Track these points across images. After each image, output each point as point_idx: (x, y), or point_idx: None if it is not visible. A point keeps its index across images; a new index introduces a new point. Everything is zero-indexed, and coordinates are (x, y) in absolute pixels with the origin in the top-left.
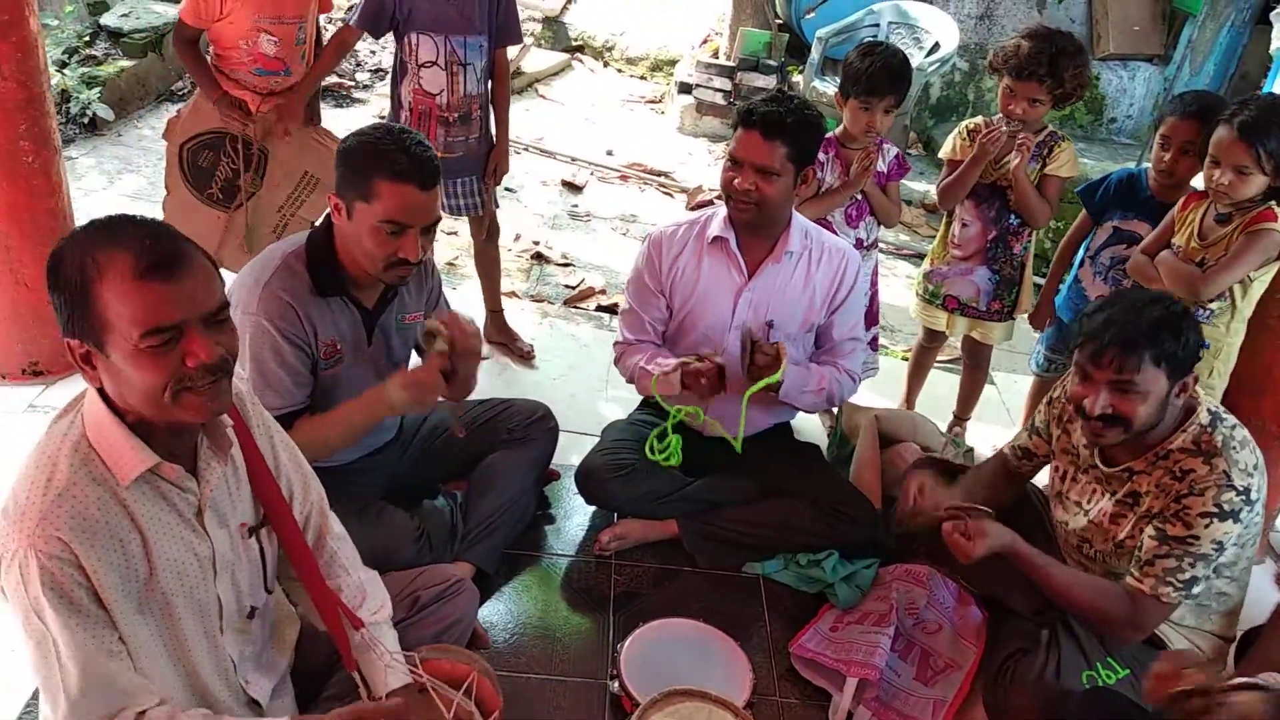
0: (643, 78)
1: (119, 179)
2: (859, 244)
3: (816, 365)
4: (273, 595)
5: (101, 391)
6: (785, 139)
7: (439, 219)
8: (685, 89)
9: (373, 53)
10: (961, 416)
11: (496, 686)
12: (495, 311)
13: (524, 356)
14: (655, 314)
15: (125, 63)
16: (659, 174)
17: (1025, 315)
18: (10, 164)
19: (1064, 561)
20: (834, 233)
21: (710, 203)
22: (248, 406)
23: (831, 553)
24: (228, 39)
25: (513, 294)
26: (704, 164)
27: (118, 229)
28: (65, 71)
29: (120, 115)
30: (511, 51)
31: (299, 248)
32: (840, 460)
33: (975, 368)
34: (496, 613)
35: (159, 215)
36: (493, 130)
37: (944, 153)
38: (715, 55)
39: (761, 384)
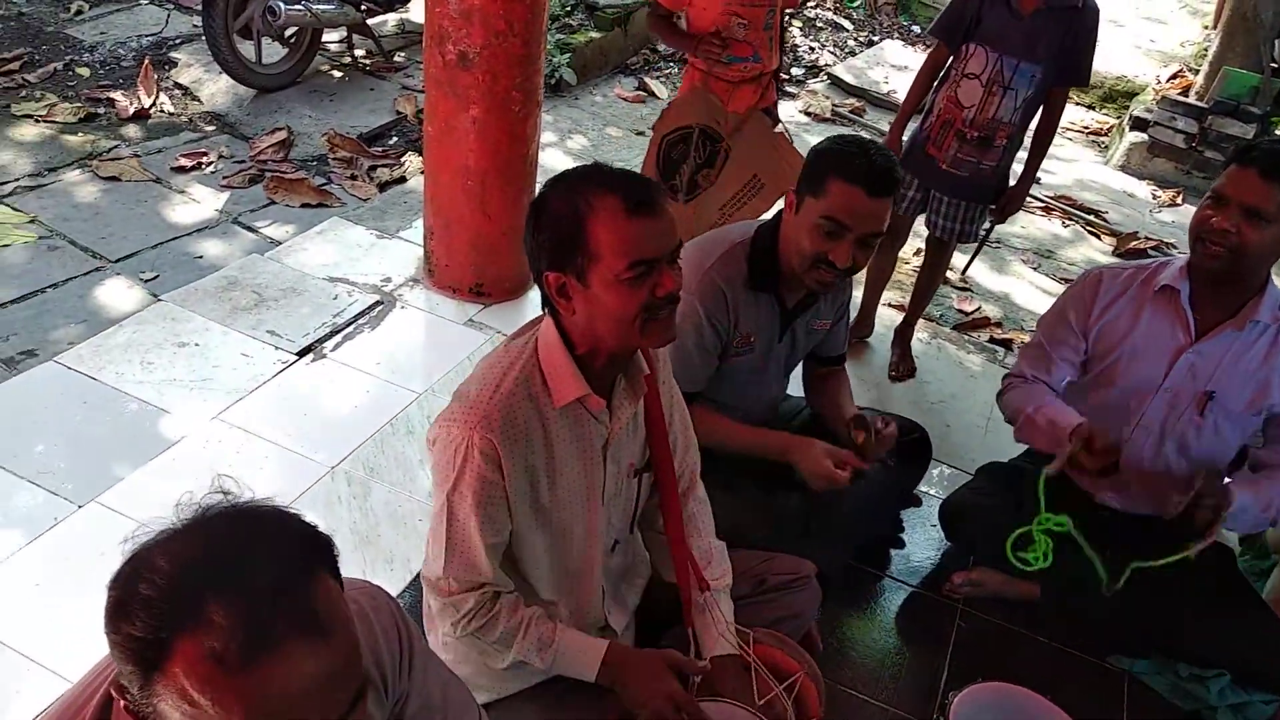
0: (1091, 106)
1: (569, 138)
2: None
3: (1267, 481)
4: (634, 536)
5: (557, 324)
6: None
7: (879, 234)
8: (1140, 125)
9: (811, 49)
10: None
11: (823, 696)
12: (907, 324)
13: (896, 375)
14: (1067, 355)
15: (594, 34)
16: (1089, 211)
17: None
18: (502, 111)
19: None
20: None
21: (1143, 252)
22: (659, 362)
23: (1223, 673)
24: (704, 25)
25: (901, 306)
26: (1143, 209)
27: (602, 174)
28: (545, 35)
29: (581, 81)
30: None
31: (746, 238)
32: (1255, 573)
33: None
34: (830, 619)
35: None
36: (1016, 166)
37: None
38: (1185, 93)
39: (1169, 560)
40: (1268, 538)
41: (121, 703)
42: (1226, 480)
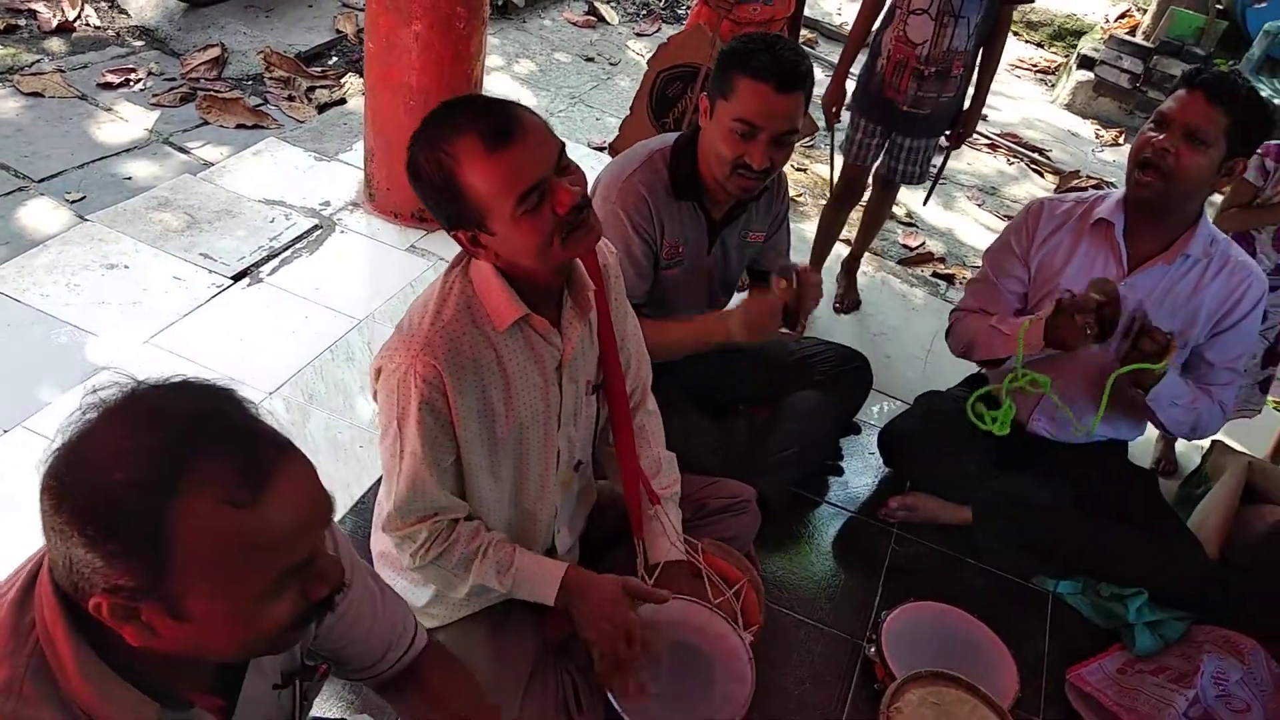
0: (1039, 44)
1: (516, 62)
2: (1277, 271)
3: (1198, 389)
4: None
5: None
6: (1231, 109)
7: (794, 130)
8: (1086, 64)
9: None
10: None
11: (763, 603)
12: (853, 258)
13: (841, 307)
14: (1013, 286)
15: None
16: (1033, 149)
17: None
18: (445, 27)
19: None
20: (1254, 251)
21: (1083, 191)
22: (610, 278)
23: (1141, 592)
24: None
25: (847, 241)
26: (1086, 148)
27: (451, 118)
28: None
29: (529, 3)
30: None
31: (666, 148)
32: (1185, 499)
33: None
34: (770, 544)
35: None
36: (969, 91)
37: None
38: (1132, 33)
39: (1140, 366)
40: (1207, 467)
41: (105, 607)
42: None
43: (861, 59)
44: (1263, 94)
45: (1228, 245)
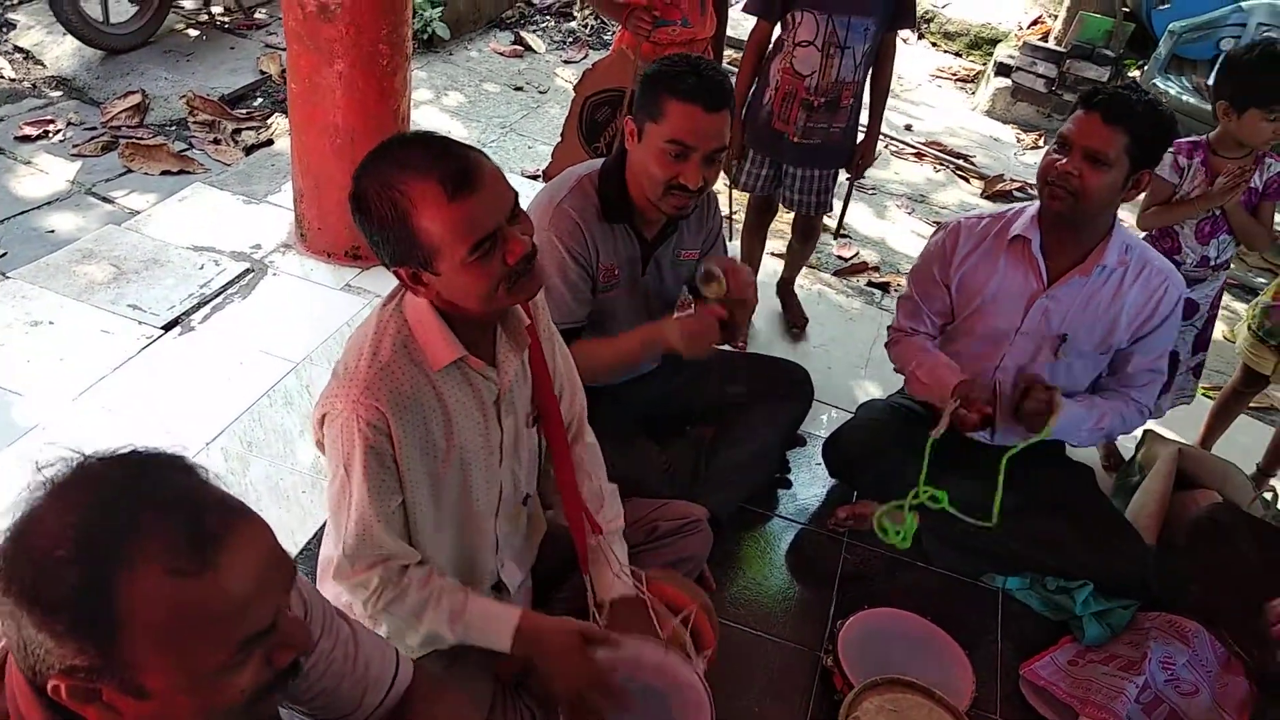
0: (958, 54)
1: (445, 95)
2: (1205, 262)
3: (1101, 399)
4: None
5: None
6: (1128, 127)
7: (723, 148)
8: (1003, 70)
9: None
10: (1268, 472)
11: (715, 626)
12: (787, 281)
13: (793, 328)
14: (937, 306)
15: None
16: (958, 156)
17: None
18: (369, 64)
19: None
20: (1179, 246)
21: (1009, 194)
22: (538, 310)
23: (1086, 584)
24: None
25: (782, 255)
26: (1009, 152)
27: (406, 157)
28: None
29: (454, 35)
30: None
31: (594, 172)
32: (1121, 489)
33: None
34: (723, 561)
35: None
36: (863, 121)
37: None
38: (1044, 38)
39: (1019, 447)
40: (1140, 456)
41: (63, 690)
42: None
43: None
44: (1171, 92)
45: (1144, 250)
